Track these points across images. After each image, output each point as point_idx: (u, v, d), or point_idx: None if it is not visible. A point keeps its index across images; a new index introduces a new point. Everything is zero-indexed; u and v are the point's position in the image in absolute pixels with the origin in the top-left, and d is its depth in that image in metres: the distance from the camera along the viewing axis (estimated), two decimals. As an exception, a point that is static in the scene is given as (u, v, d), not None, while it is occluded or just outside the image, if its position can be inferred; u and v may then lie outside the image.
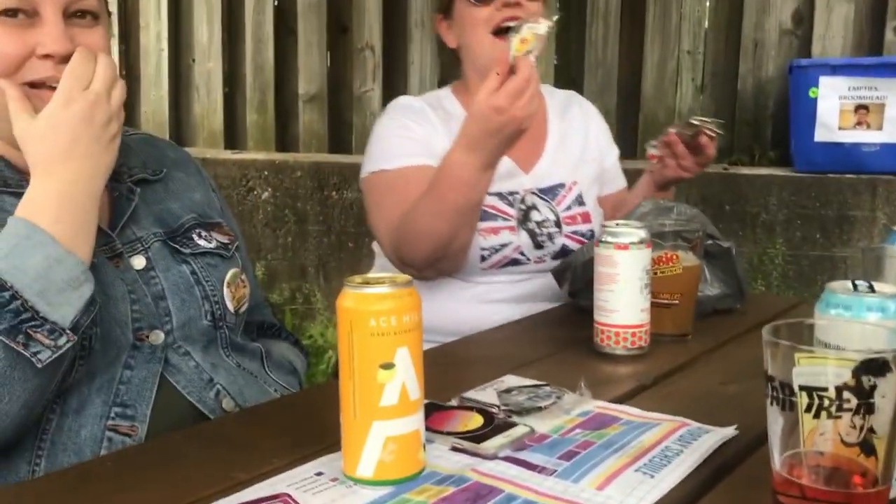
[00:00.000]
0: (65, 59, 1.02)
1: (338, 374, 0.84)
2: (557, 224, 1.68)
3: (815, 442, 0.68)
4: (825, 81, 2.78)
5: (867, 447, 0.67)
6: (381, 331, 0.80)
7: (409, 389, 0.82)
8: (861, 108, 2.76)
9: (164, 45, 3.77)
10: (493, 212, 1.63)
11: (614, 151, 1.90)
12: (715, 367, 1.23)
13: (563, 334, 1.39)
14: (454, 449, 0.90)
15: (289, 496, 0.80)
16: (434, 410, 0.97)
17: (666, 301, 1.32)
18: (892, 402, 0.66)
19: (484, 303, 1.63)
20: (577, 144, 1.79)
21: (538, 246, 1.65)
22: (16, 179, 1.06)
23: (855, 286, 0.79)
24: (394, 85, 3.56)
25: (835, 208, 2.82)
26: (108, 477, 0.88)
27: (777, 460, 0.71)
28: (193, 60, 3.78)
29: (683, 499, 0.81)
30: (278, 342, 1.36)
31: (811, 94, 2.79)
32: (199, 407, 1.09)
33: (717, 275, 1.48)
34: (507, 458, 0.88)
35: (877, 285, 0.79)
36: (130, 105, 3.82)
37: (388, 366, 0.80)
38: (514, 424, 0.95)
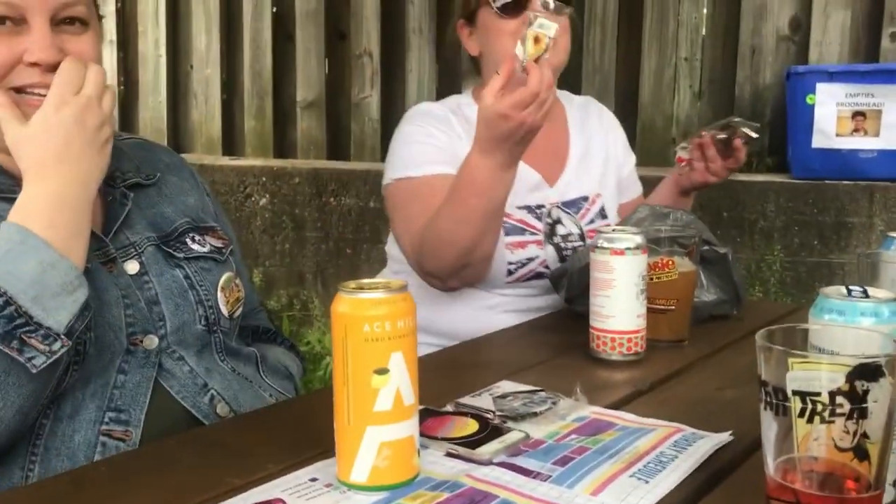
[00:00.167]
0: (52, 67, 1.02)
1: (335, 380, 0.84)
2: (582, 238, 1.68)
3: (808, 447, 0.68)
4: (822, 88, 2.78)
5: (860, 452, 0.66)
6: (375, 336, 0.80)
7: (404, 395, 0.82)
8: (858, 114, 2.77)
9: (163, 51, 3.78)
10: (522, 226, 1.62)
11: (631, 159, 1.89)
12: (711, 372, 1.23)
13: (559, 340, 1.39)
14: (449, 455, 0.90)
15: (283, 502, 0.80)
16: (429, 416, 0.97)
17: (662, 307, 1.32)
18: (886, 407, 0.66)
19: (505, 312, 1.62)
20: (599, 155, 1.79)
21: (563, 260, 1.64)
22: (8, 185, 1.06)
23: (849, 291, 0.79)
24: (392, 91, 3.57)
25: (832, 215, 2.82)
26: (102, 482, 0.88)
27: (771, 465, 0.71)
28: (192, 67, 3.79)
29: (678, 504, 0.81)
30: (273, 347, 1.36)
31: (808, 101, 2.80)
32: (194, 412, 1.09)
33: (714, 280, 1.48)
34: (501, 464, 0.88)
35: (870, 290, 0.80)
36: (128, 111, 3.84)
37: (383, 371, 0.80)
38: (509, 430, 0.94)
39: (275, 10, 3.67)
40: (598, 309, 1.26)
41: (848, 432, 0.66)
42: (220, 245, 1.22)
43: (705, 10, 3.22)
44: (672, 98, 3.26)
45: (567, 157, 1.74)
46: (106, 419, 1.03)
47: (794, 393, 0.67)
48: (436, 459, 0.89)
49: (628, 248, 1.23)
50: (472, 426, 0.96)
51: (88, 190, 1.02)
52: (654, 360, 1.26)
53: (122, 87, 3.87)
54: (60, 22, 1.05)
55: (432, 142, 1.62)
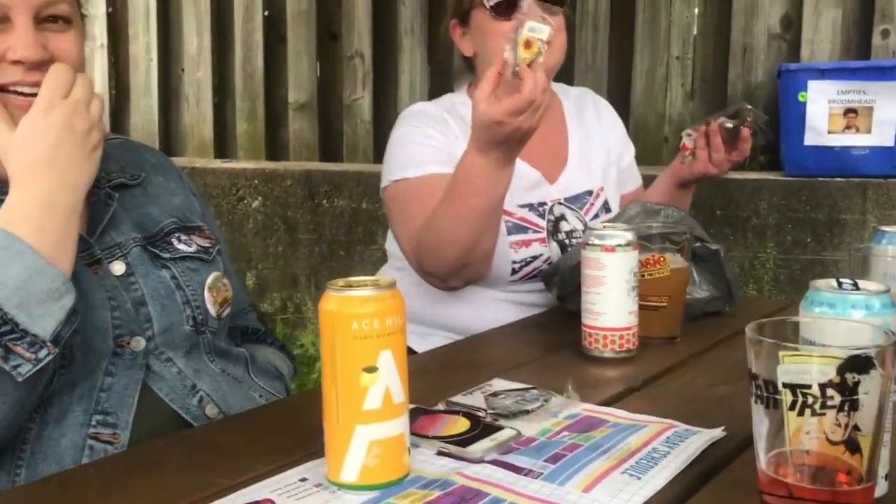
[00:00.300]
0: (35, 65, 1.02)
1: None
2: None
3: (800, 441, 0.67)
4: (814, 85, 2.78)
5: (852, 445, 0.66)
6: (363, 334, 0.79)
7: (393, 393, 0.81)
8: (850, 111, 2.77)
9: (154, 55, 3.77)
10: (524, 224, 1.61)
11: (630, 149, 1.87)
12: (703, 369, 1.23)
13: (552, 338, 1.38)
14: (440, 453, 0.90)
15: (272, 502, 0.79)
16: (420, 415, 0.97)
17: (654, 304, 1.31)
18: (876, 399, 0.65)
19: (512, 305, 1.61)
20: (598, 148, 1.77)
21: None
22: None
23: (839, 284, 0.79)
24: (384, 92, 3.56)
25: (825, 212, 2.82)
26: (90, 484, 0.87)
27: (762, 460, 0.70)
28: (183, 70, 3.78)
29: (670, 500, 0.80)
30: (263, 347, 1.35)
31: (800, 99, 2.80)
32: (182, 414, 1.08)
33: (706, 277, 1.47)
34: (493, 462, 0.87)
35: (861, 283, 0.79)
36: (120, 115, 3.82)
37: (371, 369, 0.80)
38: (500, 428, 0.94)
39: (266, 12, 3.66)
40: (589, 306, 1.25)
41: (839, 425, 0.66)
42: (206, 245, 1.21)
43: (697, 9, 3.23)
44: (664, 97, 3.26)
45: (566, 154, 1.73)
46: (93, 422, 1.02)
47: (785, 386, 0.66)
48: (426, 458, 0.89)
49: (619, 245, 1.22)
50: (463, 424, 0.95)
51: (77, 195, 1.01)
52: (647, 357, 1.26)
53: (113, 91, 3.85)
54: (44, 20, 1.04)
55: (429, 142, 1.61)
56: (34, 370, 0.92)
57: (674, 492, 0.82)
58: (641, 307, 1.27)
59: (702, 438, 0.92)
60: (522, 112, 1.26)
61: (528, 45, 1.25)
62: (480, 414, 0.99)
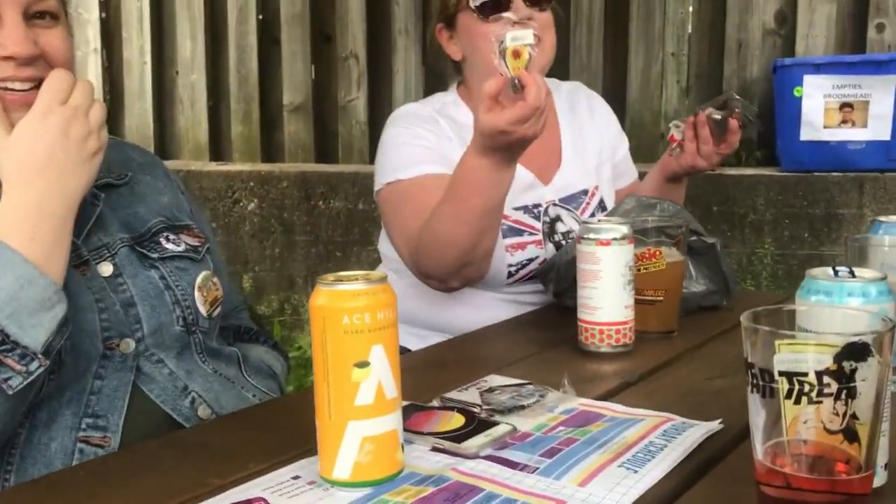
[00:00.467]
0: (27, 60, 1.00)
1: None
2: None
3: (797, 431, 0.67)
4: (809, 80, 2.77)
5: (850, 434, 0.65)
6: (354, 328, 0.78)
7: (386, 388, 0.80)
8: (846, 105, 2.76)
9: (148, 58, 3.76)
10: (520, 226, 1.59)
11: (624, 143, 1.84)
12: (700, 363, 1.22)
13: (548, 334, 1.37)
14: (434, 449, 0.89)
15: (264, 500, 0.78)
16: (414, 411, 0.96)
17: (650, 298, 1.30)
18: (874, 387, 0.65)
19: (509, 304, 1.60)
20: (592, 146, 1.74)
21: None
22: None
23: (835, 272, 0.78)
24: (379, 93, 3.55)
25: (822, 207, 2.81)
26: (80, 485, 0.86)
27: (759, 450, 0.69)
28: (177, 73, 3.77)
29: (667, 493, 0.79)
30: (256, 346, 1.33)
31: (796, 94, 2.79)
32: (174, 415, 1.07)
33: (703, 271, 1.46)
34: (488, 457, 0.86)
35: (857, 270, 0.78)
36: (114, 119, 3.81)
37: (363, 364, 0.79)
38: (495, 423, 0.93)
39: (260, 17, 3.65)
40: (585, 301, 1.24)
41: (837, 414, 0.65)
42: (196, 243, 1.20)
43: (691, 7, 3.22)
44: (660, 94, 3.25)
45: (560, 153, 1.70)
46: (83, 425, 1.01)
47: (781, 374, 0.65)
48: (421, 454, 0.88)
49: (614, 239, 1.21)
50: (458, 420, 0.94)
51: (69, 202, 0.99)
52: (643, 351, 1.25)
53: (107, 95, 3.84)
54: (32, 16, 1.03)
55: (420, 142, 1.59)
56: (25, 384, 0.90)
57: (671, 485, 0.81)
58: (637, 301, 1.26)
59: (699, 431, 0.91)
60: (527, 120, 1.23)
61: (516, 54, 1.23)
62: (476, 410, 0.98)
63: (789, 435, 0.67)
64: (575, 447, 0.88)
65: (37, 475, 0.97)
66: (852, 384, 0.64)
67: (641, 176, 1.86)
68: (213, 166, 3.61)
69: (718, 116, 1.59)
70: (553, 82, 1.80)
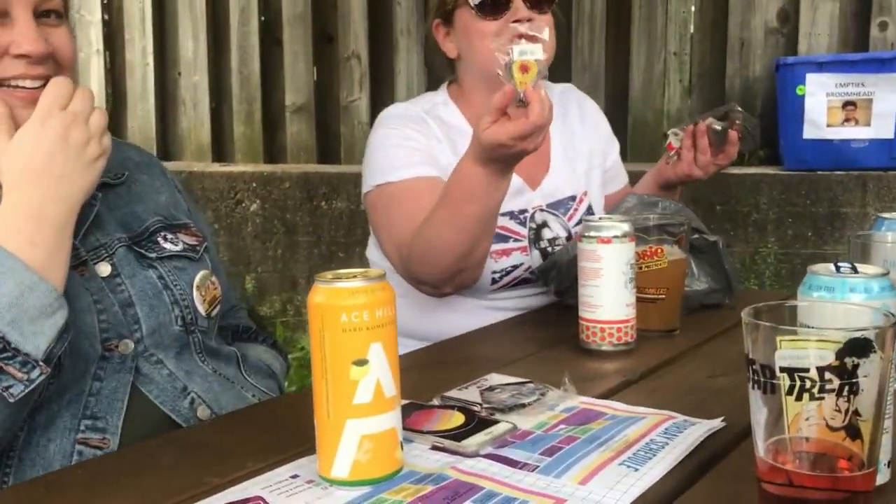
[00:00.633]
0: (40, 58, 1.01)
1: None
2: (569, 240, 1.61)
3: (799, 428, 0.66)
4: (812, 79, 2.76)
5: (852, 431, 0.64)
6: (353, 326, 0.78)
7: (384, 386, 0.80)
8: (849, 104, 2.75)
9: (150, 59, 3.76)
10: (505, 233, 1.56)
11: (615, 147, 1.82)
12: (702, 361, 1.21)
13: (549, 333, 1.37)
14: (434, 448, 0.88)
15: (262, 499, 0.78)
16: (414, 410, 0.95)
17: (652, 296, 1.30)
18: (876, 383, 0.64)
19: (492, 310, 1.58)
20: (582, 151, 1.72)
21: None
22: None
23: (838, 268, 0.77)
24: (381, 94, 3.54)
25: (825, 205, 2.80)
26: (78, 485, 0.85)
27: (761, 447, 0.69)
28: (179, 74, 3.76)
29: (668, 492, 0.79)
30: (255, 345, 1.33)
31: (798, 92, 2.78)
32: (173, 416, 1.06)
33: (705, 269, 1.46)
34: (488, 456, 0.86)
35: (860, 266, 0.77)
36: (117, 120, 3.81)
37: (362, 362, 0.78)
38: (496, 422, 0.92)
39: (262, 18, 3.65)
40: (586, 299, 1.23)
41: (839, 411, 0.64)
42: (193, 243, 1.19)
43: (693, 6, 3.21)
44: (662, 93, 3.24)
45: (549, 158, 1.67)
46: (82, 427, 1.00)
47: (783, 370, 0.65)
48: (420, 453, 0.87)
49: (615, 237, 1.21)
50: (458, 419, 0.94)
51: (70, 207, 0.99)
52: (645, 349, 1.24)
53: (110, 97, 3.84)
54: (40, 15, 1.03)
55: (410, 144, 1.56)
56: (26, 392, 0.90)
57: (672, 483, 0.80)
58: (639, 300, 1.25)
59: (700, 429, 0.91)
60: (528, 136, 1.22)
61: (524, 68, 1.20)
62: (476, 408, 0.98)
63: (791, 432, 0.66)
64: (575, 445, 0.87)
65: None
66: (854, 380, 0.63)
67: (638, 176, 1.84)
68: (216, 167, 3.61)
69: (719, 127, 1.57)
70: (545, 84, 1.78)
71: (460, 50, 1.63)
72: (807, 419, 0.65)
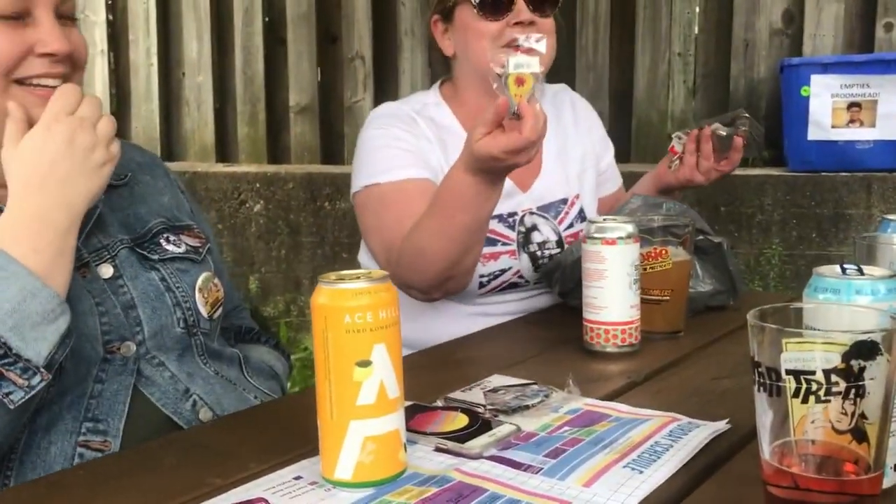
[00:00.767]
0: (63, 57, 1.03)
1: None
2: (559, 244, 1.59)
3: (805, 430, 0.65)
4: (817, 80, 2.76)
5: (859, 434, 0.64)
6: (356, 327, 0.78)
7: (388, 387, 0.79)
8: (853, 105, 2.74)
9: (154, 59, 3.76)
10: (493, 236, 1.53)
11: (609, 149, 1.79)
12: (707, 362, 1.21)
13: (553, 334, 1.36)
14: (438, 449, 0.88)
15: (265, 500, 0.78)
16: (417, 412, 0.95)
17: (657, 297, 1.29)
18: (883, 386, 0.63)
19: (478, 315, 1.56)
20: (575, 153, 1.69)
21: (538, 268, 1.57)
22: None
23: (843, 270, 0.77)
24: (385, 94, 3.54)
25: (830, 207, 2.80)
26: (80, 486, 0.85)
27: (766, 450, 0.68)
28: (183, 74, 3.77)
29: (673, 494, 0.78)
30: (257, 346, 1.32)
31: (803, 93, 2.77)
32: (175, 419, 1.06)
33: (710, 271, 1.45)
34: (492, 458, 0.85)
35: (866, 268, 0.77)
36: (121, 120, 3.81)
37: (365, 363, 0.78)
38: (500, 423, 0.92)
39: (266, 18, 3.65)
40: (590, 300, 1.23)
41: (846, 413, 0.64)
42: (196, 244, 1.19)
43: (698, 7, 3.21)
44: (667, 94, 3.23)
45: (541, 160, 1.64)
46: (83, 430, 1.00)
47: (788, 373, 0.64)
48: (424, 455, 0.87)
49: (620, 238, 1.20)
50: (461, 420, 0.93)
51: (73, 213, 0.98)
52: (649, 351, 1.24)
53: (114, 98, 3.84)
54: (59, 15, 1.05)
55: (399, 145, 1.54)
56: (26, 398, 0.90)
57: (677, 485, 0.80)
58: (644, 301, 1.25)
59: (705, 431, 0.90)
60: (521, 151, 1.20)
61: (520, 81, 1.18)
62: (480, 410, 0.97)
63: (797, 435, 0.66)
64: (580, 447, 0.87)
65: (36, 479, 0.96)
66: (861, 383, 0.63)
67: (635, 178, 1.82)
68: (220, 168, 3.61)
69: (724, 132, 1.56)
70: (539, 85, 1.75)
71: (457, 48, 1.61)
72: (813, 422, 0.65)
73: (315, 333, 0.79)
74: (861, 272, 0.76)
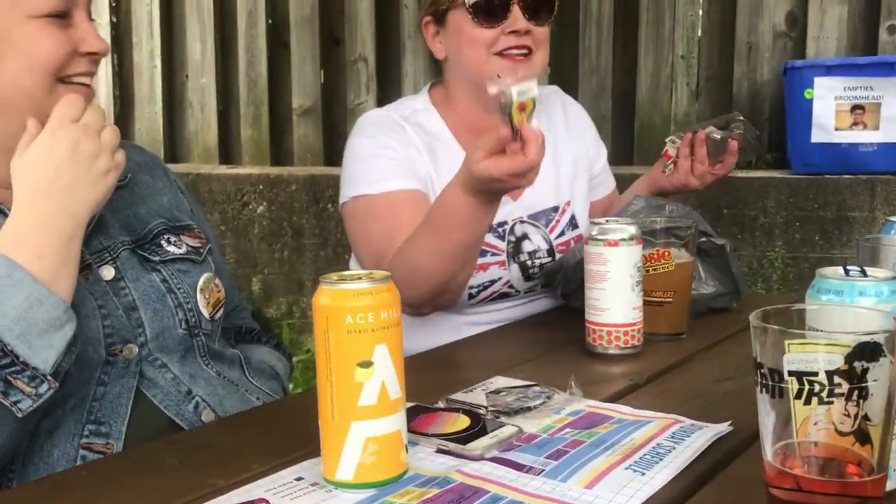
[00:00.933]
0: (102, 56, 1.07)
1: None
2: (550, 252, 1.57)
3: (808, 432, 0.65)
4: (820, 82, 2.75)
5: (862, 435, 0.64)
6: (358, 328, 0.78)
7: (389, 388, 0.79)
8: (857, 108, 2.74)
9: (158, 62, 3.77)
10: (483, 247, 1.49)
11: (603, 153, 1.76)
12: (710, 364, 1.21)
13: (555, 336, 1.36)
14: (439, 451, 0.88)
15: (266, 501, 0.77)
16: (419, 413, 0.95)
17: (659, 299, 1.29)
18: (886, 387, 0.63)
19: (469, 325, 1.54)
20: (566, 159, 1.66)
21: (529, 278, 1.55)
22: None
23: (847, 271, 0.77)
24: (388, 97, 3.54)
25: (833, 209, 2.79)
26: (82, 486, 0.85)
27: (769, 452, 0.68)
28: (187, 76, 3.77)
29: (675, 496, 0.78)
30: (258, 347, 1.32)
31: (806, 96, 2.77)
32: (178, 421, 1.06)
33: (712, 273, 1.45)
34: (493, 459, 0.85)
35: (869, 270, 0.77)
36: (124, 123, 3.82)
37: (367, 364, 0.78)
38: (501, 425, 0.92)
39: (270, 21, 3.65)
40: (593, 302, 1.23)
41: (849, 415, 0.64)
42: (197, 245, 1.19)
43: (701, 9, 3.21)
44: (670, 97, 3.23)
45: None
46: (86, 432, 1.00)
47: (791, 374, 0.64)
48: (425, 456, 0.87)
49: (622, 239, 1.20)
50: (463, 422, 0.93)
51: (77, 220, 0.98)
52: (652, 353, 1.23)
53: (118, 100, 3.85)
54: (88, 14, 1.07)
55: (388, 154, 1.51)
56: (34, 406, 0.90)
57: (679, 487, 0.79)
58: (646, 303, 1.24)
59: (707, 433, 0.90)
60: (523, 174, 1.19)
61: (521, 107, 1.17)
62: (481, 411, 0.97)
63: (799, 436, 0.66)
64: (581, 449, 0.87)
65: (39, 482, 0.96)
66: (864, 385, 0.62)
67: (630, 180, 1.81)
68: (223, 170, 3.62)
69: (718, 136, 1.54)
70: None
71: (449, 52, 1.57)
72: (815, 423, 0.65)
73: (316, 334, 0.79)
74: (864, 274, 0.76)
